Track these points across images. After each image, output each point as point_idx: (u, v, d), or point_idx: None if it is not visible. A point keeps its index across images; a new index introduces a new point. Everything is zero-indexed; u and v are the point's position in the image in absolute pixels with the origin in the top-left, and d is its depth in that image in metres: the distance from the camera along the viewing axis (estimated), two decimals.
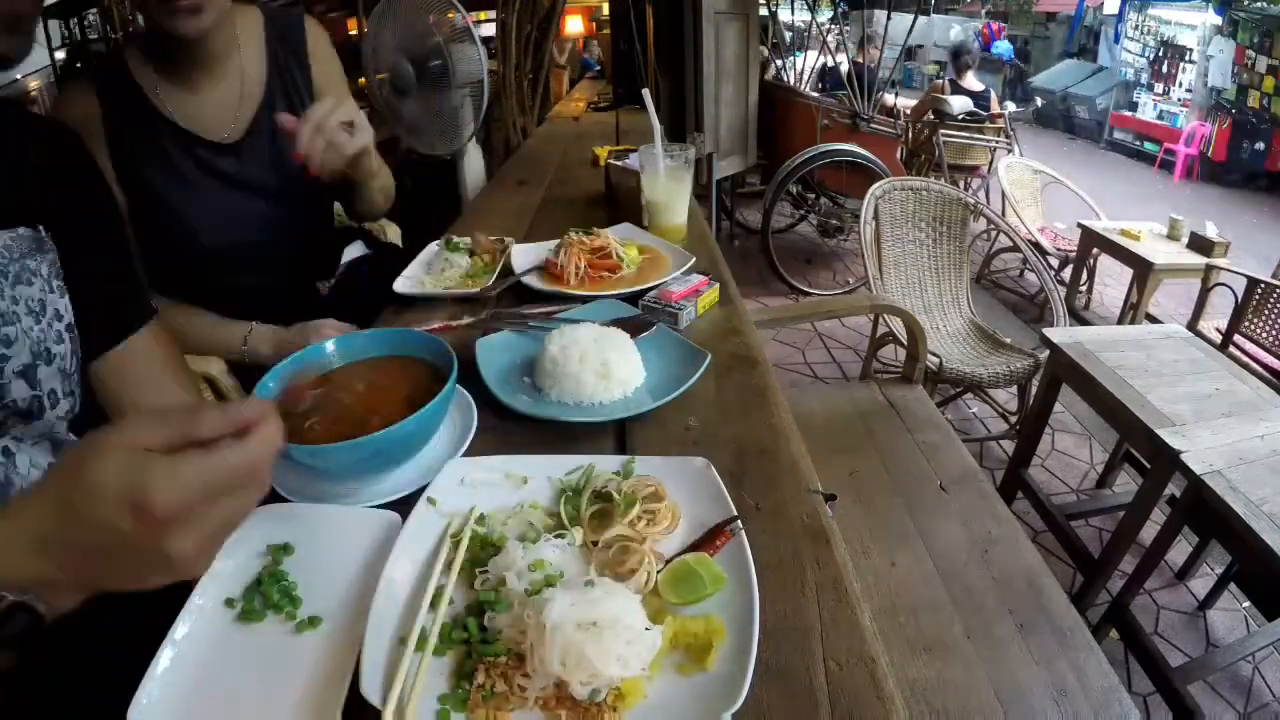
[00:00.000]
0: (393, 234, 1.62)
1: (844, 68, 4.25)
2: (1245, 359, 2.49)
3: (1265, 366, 2.45)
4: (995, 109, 4.58)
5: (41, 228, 0.66)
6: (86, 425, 0.68)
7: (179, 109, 1.02)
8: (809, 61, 4.87)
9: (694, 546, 0.55)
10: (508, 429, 0.73)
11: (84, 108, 0.97)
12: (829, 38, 4.45)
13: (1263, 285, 2.44)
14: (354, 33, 5.14)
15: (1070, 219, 3.84)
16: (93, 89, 0.98)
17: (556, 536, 0.56)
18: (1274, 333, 2.45)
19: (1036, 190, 3.91)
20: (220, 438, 0.39)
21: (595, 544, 0.56)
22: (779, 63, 4.81)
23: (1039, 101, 9.70)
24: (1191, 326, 2.65)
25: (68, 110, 0.97)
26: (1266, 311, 2.44)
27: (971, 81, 4.63)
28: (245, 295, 1.12)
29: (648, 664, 0.46)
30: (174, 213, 1.03)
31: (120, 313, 0.74)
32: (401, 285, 1.06)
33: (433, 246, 1.20)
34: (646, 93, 1.29)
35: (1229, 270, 2.64)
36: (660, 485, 0.60)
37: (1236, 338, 2.57)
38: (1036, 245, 3.74)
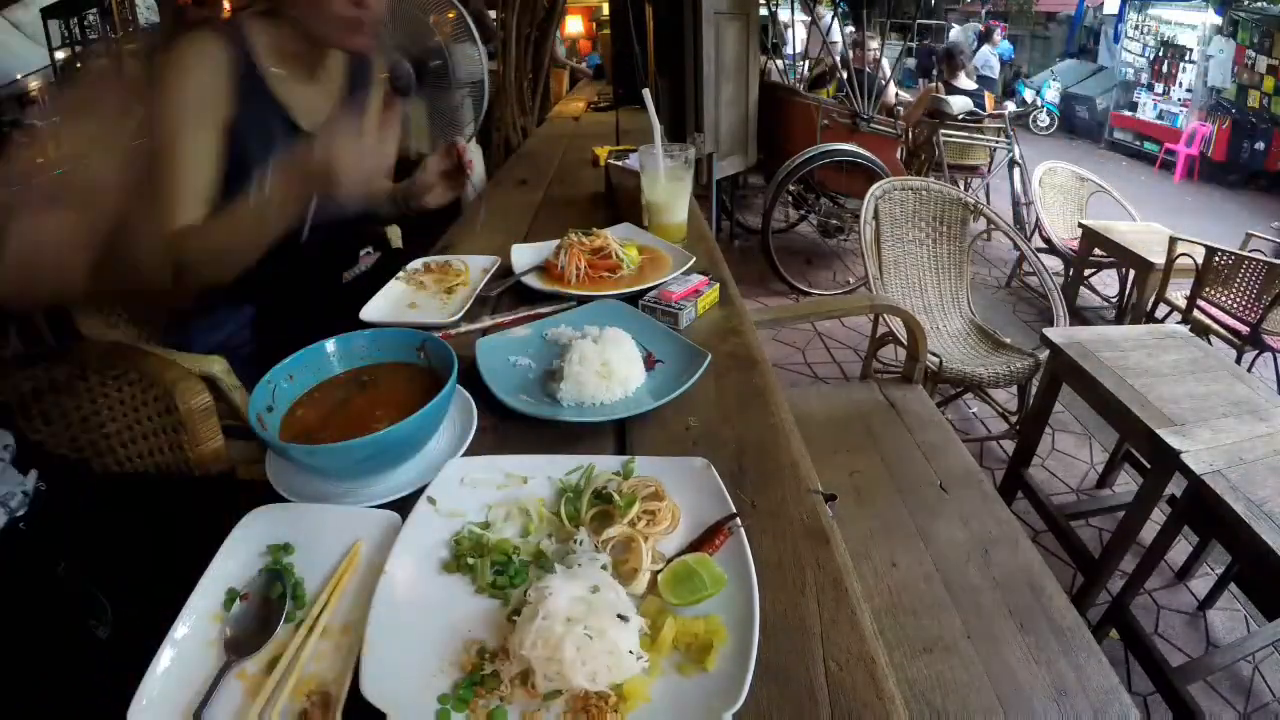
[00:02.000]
0: (393, 234, 1.62)
1: (839, 68, 4.24)
2: (1208, 321, 2.90)
3: (1225, 327, 2.84)
4: (990, 107, 4.58)
5: None
6: None
7: (284, 92, 1.06)
8: (808, 64, 4.88)
9: (694, 546, 0.55)
10: (508, 429, 0.73)
11: (217, 52, 0.99)
12: (828, 39, 4.45)
13: (1219, 254, 2.78)
14: None
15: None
16: (223, 42, 1.00)
17: (576, 543, 0.56)
18: (1233, 297, 2.77)
19: (1083, 197, 3.92)
20: None
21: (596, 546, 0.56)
22: (779, 63, 4.81)
23: (1039, 103, 9.69)
24: (1160, 295, 3.09)
25: (202, 48, 0.98)
26: (1225, 278, 2.79)
27: (964, 81, 4.63)
28: (278, 279, 1.10)
29: (618, 683, 0.45)
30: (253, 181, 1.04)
31: None
32: (368, 314, 1.00)
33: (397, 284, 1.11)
34: (647, 93, 1.29)
35: (1189, 241, 2.91)
36: (660, 485, 0.60)
37: (1200, 302, 2.92)
38: (1048, 246, 3.75)
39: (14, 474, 0.66)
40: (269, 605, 0.53)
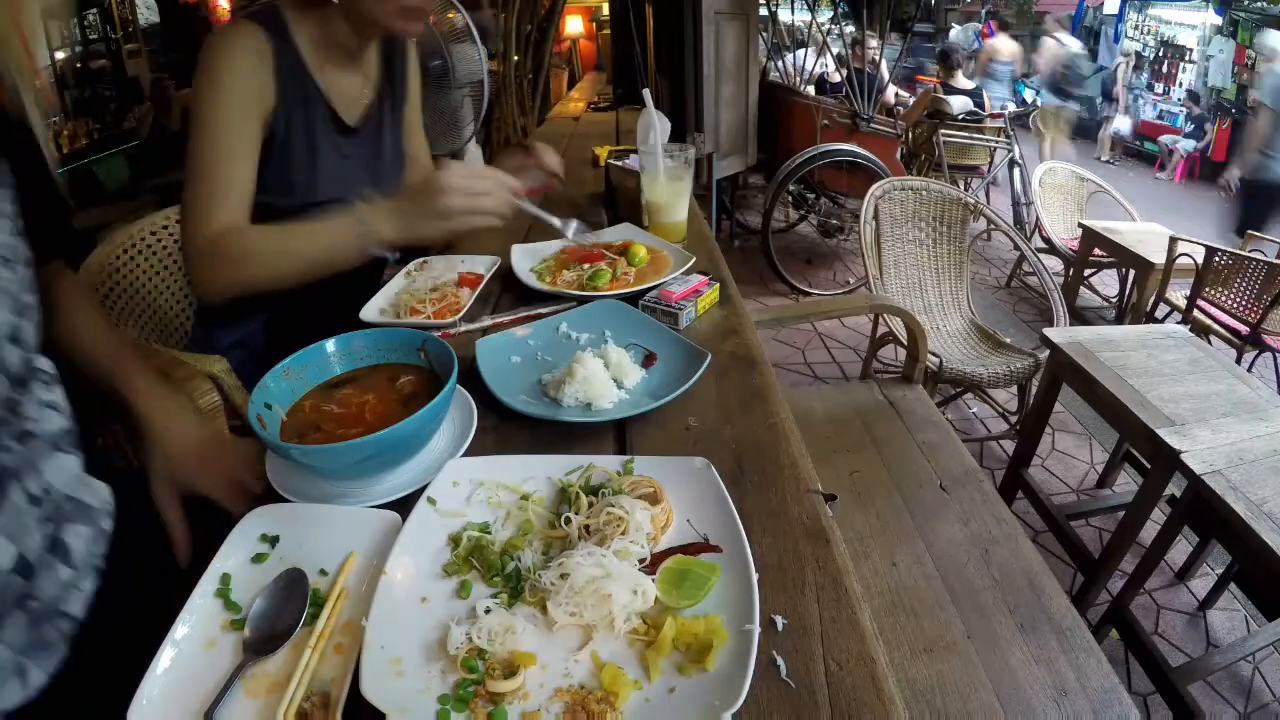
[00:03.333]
0: None
1: (835, 70, 4.25)
2: (1208, 321, 2.89)
3: (1225, 327, 2.83)
4: (989, 106, 4.58)
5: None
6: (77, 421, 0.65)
7: (326, 82, 1.04)
8: (808, 62, 4.87)
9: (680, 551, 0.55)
10: (508, 429, 0.73)
11: (258, 43, 0.96)
12: (828, 39, 4.46)
13: (1219, 254, 2.76)
14: None
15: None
16: (264, 33, 0.97)
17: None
18: (1233, 297, 2.77)
19: (1082, 197, 3.92)
20: None
21: (588, 529, 0.57)
22: (779, 64, 4.81)
23: (1039, 103, 9.68)
24: (1160, 295, 3.09)
25: (244, 40, 0.96)
26: (1225, 278, 2.78)
27: (961, 81, 4.63)
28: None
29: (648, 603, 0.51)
30: (294, 174, 1.02)
31: (50, 234, 0.71)
32: (367, 314, 1.00)
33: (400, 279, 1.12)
34: (647, 92, 1.29)
35: (1189, 241, 2.91)
36: (659, 488, 0.60)
37: (1200, 302, 2.91)
38: (1048, 246, 3.75)
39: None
40: (289, 606, 0.53)
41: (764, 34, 4.27)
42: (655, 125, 1.28)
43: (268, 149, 0.98)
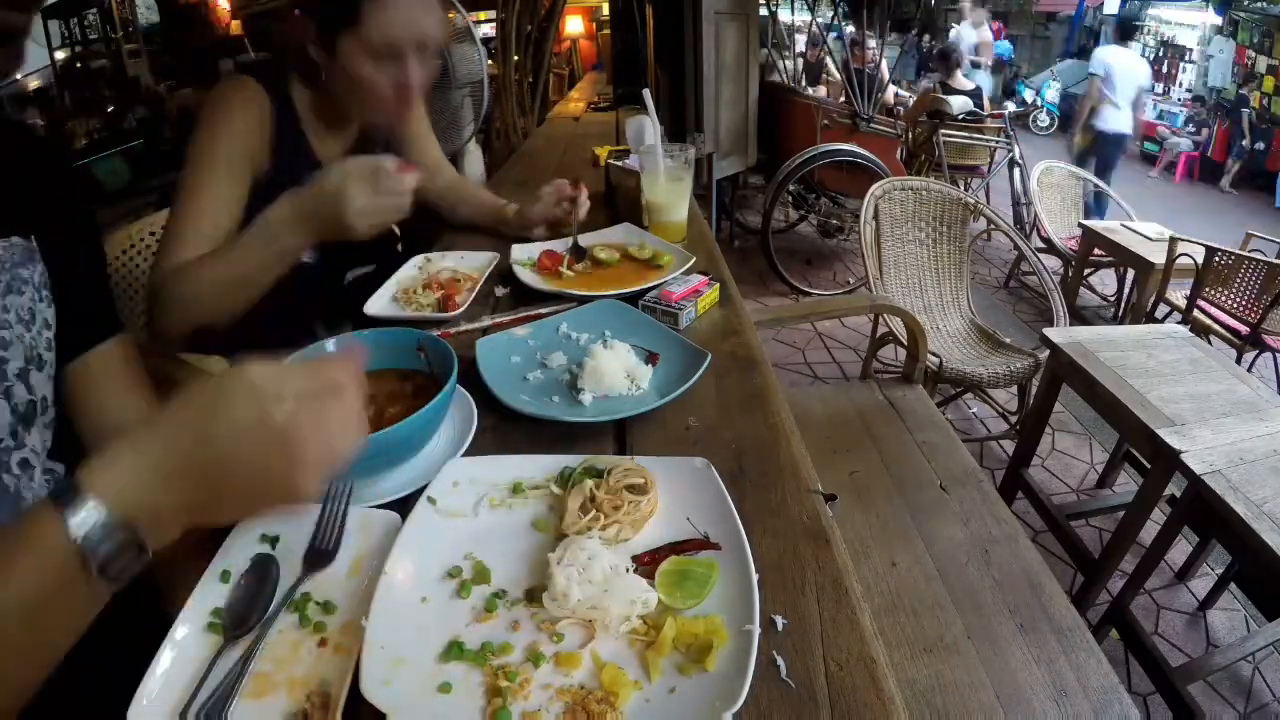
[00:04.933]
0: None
1: (834, 68, 4.25)
2: (1208, 321, 2.91)
3: (1225, 327, 2.85)
4: (987, 106, 4.59)
5: (33, 238, 0.66)
6: (62, 435, 0.68)
7: (319, 144, 1.08)
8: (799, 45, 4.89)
9: (674, 549, 0.55)
10: (508, 429, 0.73)
11: (261, 103, 1.00)
12: (828, 38, 4.46)
13: (1219, 254, 2.76)
14: None
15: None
16: (267, 94, 1.01)
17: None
18: (1233, 297, 2.78)
19: (1078, 196, 3.93)
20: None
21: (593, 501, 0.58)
22: (780, 64, 4.81)
23: (1039, 103, 9.69)
24: (1160, 295, 3.10)
25: (248, 95, 0.99)
26: (1225, 278, 2.79)
27: (961, 81, 4.63)
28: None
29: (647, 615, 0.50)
30: None
31: (95, 323, 0.74)
32: (373, 307, 1.00)
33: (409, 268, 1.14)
34: (647, 93, 1.29)
35: (1189, 241, 2.91)
36: (649, 478, 0.60)
37: (1200, 302, 2.93)
38: (1048, 245, 3.76)
39: None
40: (263, 588, 0.53)
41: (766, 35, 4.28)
42: (648, 128, 1.29)
43: (251, 202, 1.00)
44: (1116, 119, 4.64)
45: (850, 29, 4.54)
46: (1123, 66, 4.58)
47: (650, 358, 0.83)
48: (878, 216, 2.52)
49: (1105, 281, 4.02)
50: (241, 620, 0.51)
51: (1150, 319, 3.14)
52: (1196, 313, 2.95)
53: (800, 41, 5.74)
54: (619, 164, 1.42)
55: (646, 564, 0.54)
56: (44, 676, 0.40)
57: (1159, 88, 8.57)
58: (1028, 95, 10.05)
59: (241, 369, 0.44)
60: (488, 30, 3.66)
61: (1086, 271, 3.80)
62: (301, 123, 1.05)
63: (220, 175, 0.96)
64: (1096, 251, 3.47)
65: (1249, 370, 2.42)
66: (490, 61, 1.91)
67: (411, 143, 1.30)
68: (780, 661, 0.47)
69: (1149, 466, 1.71)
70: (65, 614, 0.41)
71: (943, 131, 4.24)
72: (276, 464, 0.43)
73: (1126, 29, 5.04)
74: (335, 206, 0.84)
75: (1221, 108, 7.60)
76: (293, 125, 1.04)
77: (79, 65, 6.68)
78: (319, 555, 0.56)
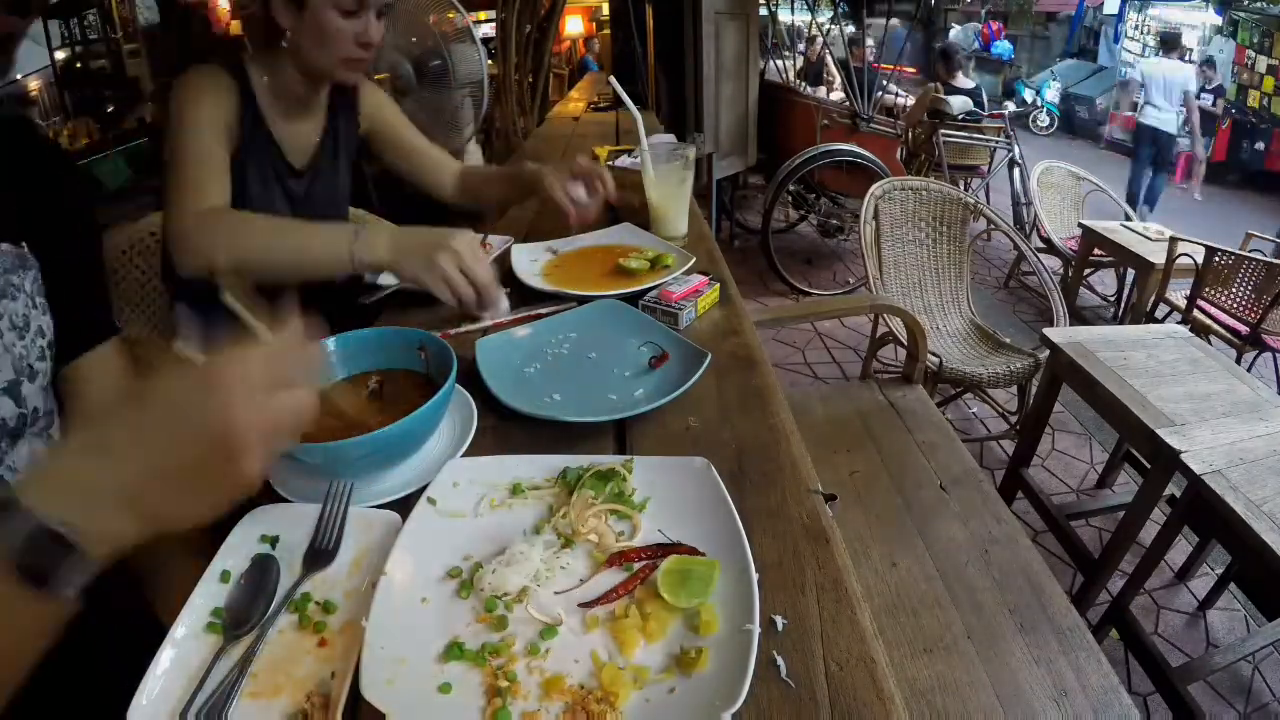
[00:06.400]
0: None
1: (838, 69, 4.25)
2: (1208, 321, 2.91)
3: (1225, 327, 2.85)
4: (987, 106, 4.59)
5: (24, 244, 0.65)
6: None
7: (278, 129, 1.11)
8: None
9: (669, 550, 0.55)
10: (508, 429, 0.73)
11: (228, 86, 1.04)
12: (828, 38, 4.46)
13: (1219, 254, 2.77)
14: None
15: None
16: (230, 78, 1.05)
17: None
18: (1233, 297, 2.79)
19: (1079, 196, 3.93)
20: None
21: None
22: (780, 63, 4.81)
23: (1039, 103, 9.69)
24: (1160, 295, 3.11)
25: (217, 77, 1.03)
26: (1225, 278, 2.80)
27: (962, 81, 4.63)
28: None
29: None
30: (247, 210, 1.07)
31: (91, 327, 0.74)
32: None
33: None
34: (614, 79, 1.30)
35: (1189, 241, 2.92)
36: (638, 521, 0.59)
37: (1200, 302, 2.94)
38: (1048, 245, 3.76)
39: None
40: (263, 588, 0.54)
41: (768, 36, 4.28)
42: (636, 115, 1.29)
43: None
44: (1157, 117, 5.53)
45: (850, 28, 4.54)
46: (1160, 73, 5.51)
47: (655, 361, 0.83)
48: (878, 216, 2.52)
49: (1105, 281, 4.02)
50: (241, 620, 0.51)
51: (1150, 319, 3.14)
52: (1196, 313, 2.95)
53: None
54: (619, 164, 1.42)
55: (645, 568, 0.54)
56: (5, 696, 0.38)
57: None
58: (1028, 95, 10.04)
59: (187, 366, 0.43)
60: (488, 30, 3.66)
61: (1086, 271, 3.80)
62: (263, 111, 1.09)
63: (208, 141, 1.00)
64: (1096, 251, 3.47)
65: (1249, 370, 2.42)
66: (490, 61, 1.91)
67: (411, 155, 1.33)
68: (780, 661, 0.47)
69: (1149, 466, 1.71)
70: (11, 630, 0.38)
71: (943, 131, 4.24)
72: (214, 455, 0.40)
73: (1169, 42, 6.03)
74: (429, 251, 0.86)
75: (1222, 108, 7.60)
76: (255, 113, 1.08)
77: (79, 65, 6.68)
78: (319, 555, 0.56)
